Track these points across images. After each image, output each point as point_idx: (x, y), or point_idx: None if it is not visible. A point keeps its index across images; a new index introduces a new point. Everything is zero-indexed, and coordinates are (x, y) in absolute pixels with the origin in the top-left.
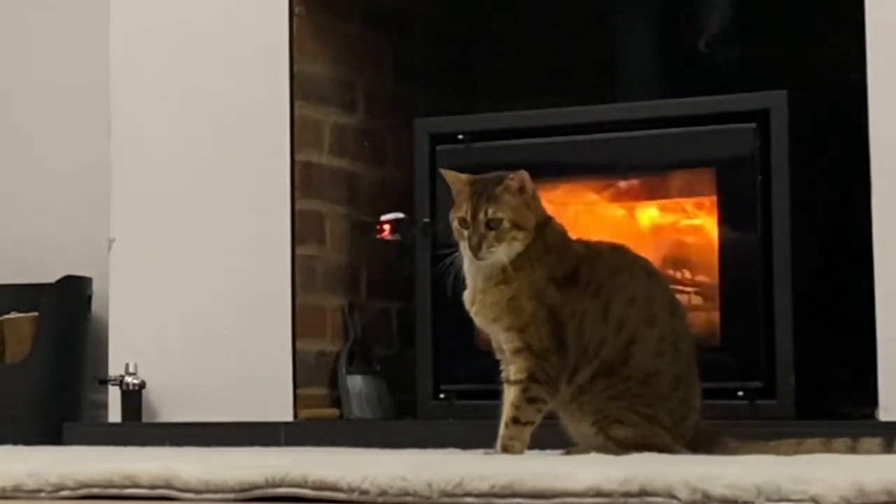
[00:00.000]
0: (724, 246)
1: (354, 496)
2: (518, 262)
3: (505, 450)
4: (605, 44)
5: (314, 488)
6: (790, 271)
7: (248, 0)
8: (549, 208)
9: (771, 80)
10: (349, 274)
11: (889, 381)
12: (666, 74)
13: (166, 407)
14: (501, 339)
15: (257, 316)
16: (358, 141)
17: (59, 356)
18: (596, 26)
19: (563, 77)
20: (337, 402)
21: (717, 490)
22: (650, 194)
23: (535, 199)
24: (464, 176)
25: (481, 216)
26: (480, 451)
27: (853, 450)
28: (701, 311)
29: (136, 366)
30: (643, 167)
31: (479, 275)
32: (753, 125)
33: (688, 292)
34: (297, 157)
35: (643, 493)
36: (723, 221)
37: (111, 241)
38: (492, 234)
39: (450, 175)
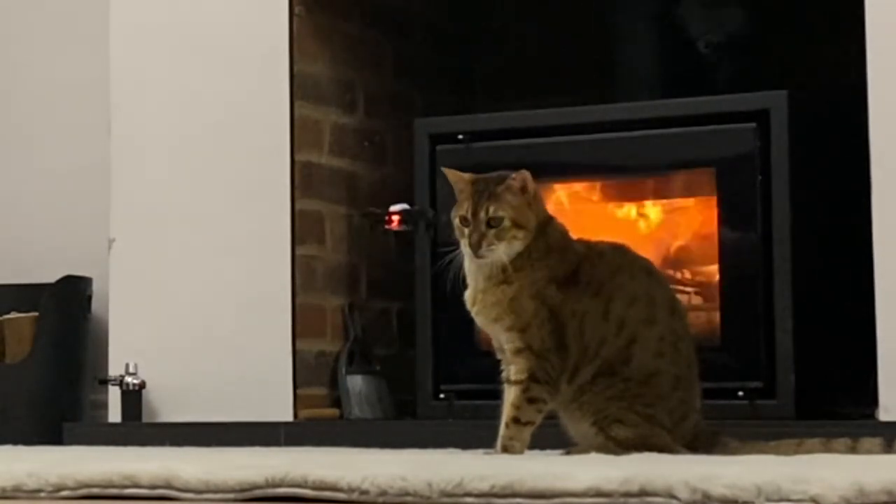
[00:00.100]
0: (724, 246)
1: (354, 496)
2: (519, 262)
3: (505, 450)
4: (605, 44)
5: (314, 488)
6: (790, 271)
7: (248, 0)
8: (549, 208)
9: (771, 80)
10: (349, 274)
11: (889, 381)
12: (666, 74)
13: (166, 407)
14: (502, 339)
15: (257, 316)
16: (358, 141)
17: (59, 356)
18: (596, 26)
19: (563, 77)
20: (337, 402)
21: (717, 490)
22: (650, 194)
23: (537, 199)
24: (466, 175)
25: (482, 214)
26: (480, 451)
27: (853, 450)
28: (701, 311)
29: (136, 366)
30: (643, 167)
31: (480, 274)
32: (753, 125)
33: (688, 292)
34: (297, 157)
35: (643, 493)
36: (723, 221)
37: (111, 241)
38: (492, 232)
39: (451, 174)
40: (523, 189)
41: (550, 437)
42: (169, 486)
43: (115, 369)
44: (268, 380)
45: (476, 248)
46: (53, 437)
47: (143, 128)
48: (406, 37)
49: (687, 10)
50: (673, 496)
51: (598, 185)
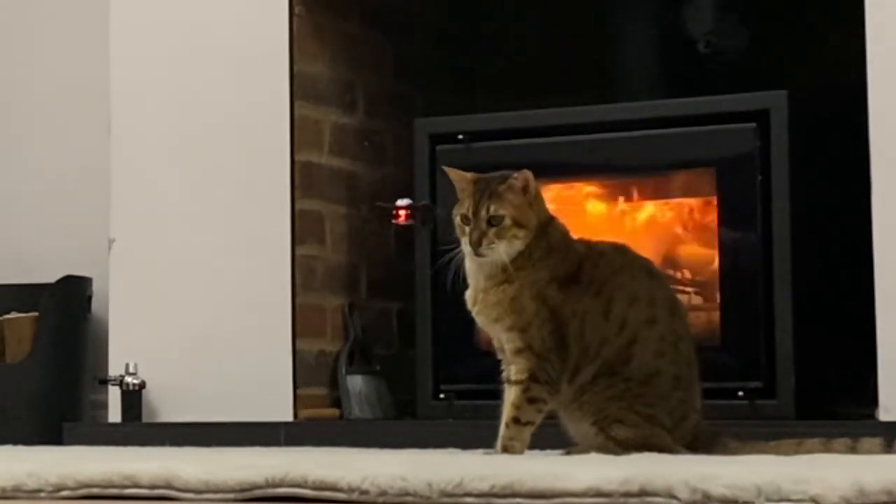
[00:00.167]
0: (724, 246)
1: (354, 496)
2: (520, 261)
3: (505, 450)
4: (605, 44)
5: (314, 488)
6: (790, 271)
7: (248, 0)
8: (549, 208)
9: (771, 80)
10: (349, 274)
11: (889, 381)
12: (666, 74)
13: (166, 407)
14: (503, 339)
15: (257, 316)
16: (358, 141)
17: (59, 356)
18: (596, 26)
19: (563, 77)
20: (337, 402)
21: (717, 490)
22: (650, 194)
23: (539, 199)
24: (467, 174)
25: (483, 213)
26: (480, 451)
27: (853, 450)
28: (701, 311)
29: (136, 366)
30: (643, 167)
31: (480, 274)
32: (753, 125)
33: (688, 292)
34: (297, 157)
35: (643, 493)
36: (723, 221)
37: (111, 241)
38: (492, 230)
39: (453, 173)
40: (525, 189)
41: (550, 437)
42: (169, 486)
43: (115, 369)
44: (268, 380)
45: (476, 247)
46: (53, 437)
47: (143, 128)
48: (406, 37)
49: (687, 11)
50: (673, 496)
51: (598, 185)
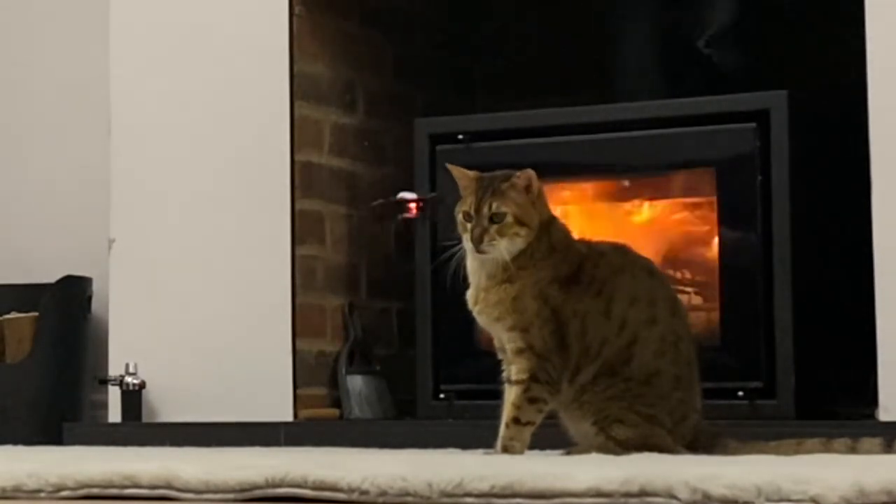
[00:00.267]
0: (724, 246)
1: (354, 496)
2: (522, 261)
3: (505, 450)
4: (605, 44)
5: (314, 488)
6: (790, 271)
7: (248, 0)
8: (550, 208)
9: (771, 80)
10: (349, 274)
11: (889, 381)
12: (666, 74)
13: (166, 407)
14: (504, 339)
15: (257, 316)
16: (358, 141)
17: (59, 356)
18: (596, 26)
19: (563, 77)
20: (337, 402)
21: (717, 490)
22: (650, 194)
23: (541, 199)
24: (470, 172)
25: (485, 210)
26: (480, 451)
27: (853, 450)
28: (701, 311)
29: (136, 366)
30: (643, 167)
31: (482, 273)
32: (753, 125)
33: (688, 292)
34: (297, 157)
35: (643, 493)
36: (723, 221)
37: (111, 241)
38: (494, 227)
39: (456, 171)
40: (527, 188)
41: (550, 437)
42: (169, 487)
43: (115, 369)
44: (268, 380)
45: (478, 243)
46: (53, 437)
47: (143, 128)
48: (406, 37)
49: (687, 11)
50: (673, 496)
51: (598, 185)
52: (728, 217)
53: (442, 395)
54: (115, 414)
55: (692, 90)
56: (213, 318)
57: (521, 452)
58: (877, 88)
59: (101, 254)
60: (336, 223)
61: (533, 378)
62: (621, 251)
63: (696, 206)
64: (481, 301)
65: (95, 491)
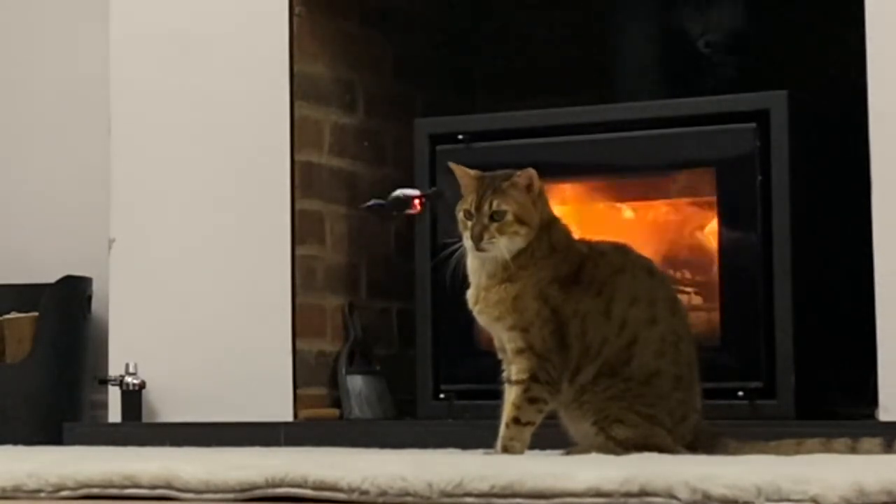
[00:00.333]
0: (724, 246)
1: (354, 496)
2: (523, 260)
3: (505, 450)
4: (605, 44)
5: (314, 488)
6: (790, 271)
7: (249, 0)
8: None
9: (771, 80)
10: (349, 274)
11: (889, 381)
12: (666, 74)
13: (166, 407)
14: (504, 339)
15: (257, 316)
16: (358, 141)
17: (59, 356)
18: (596, 26)
19: (563, 77)
20: (337, 402)
21: (717, 490)
22: (650, 194)
23: (542, 198)
24: (472, 171)
25: (486, 207)
26: (480, 451)
27: (853, 450)
28: (701, 311)
29: (136, 366)
30: (643, 167)
31: (482, 272)
32: (753, 125)
33: (688, 292)
34: (297, 157)
35: (643, 493)
36: (723, 221)
37: (111, 241)
38: (494, 225)
39: (458, 169)
40: (529, 187)
41: (550, 437)
42: (169, 487)
43: (115, 369)
44: (268, 380)
45: (477, 241)
46: (53, 437)
47: (143, 128)
48: (406, 37)
49: (687, 11)
50: (673, 496)
51: (598, 185)
52: (728, 217)
53: (442, 395)
54: (115, 414)
55: (692, 90)
56: (213, 318)
57: (521, 452)
58: (877, 88)
59: (101, 254)
60: (336, 223)
61: (533, 378)
62: (622, 251)
63: (696, 206)
64: (482, 301)
65: (95, 491)
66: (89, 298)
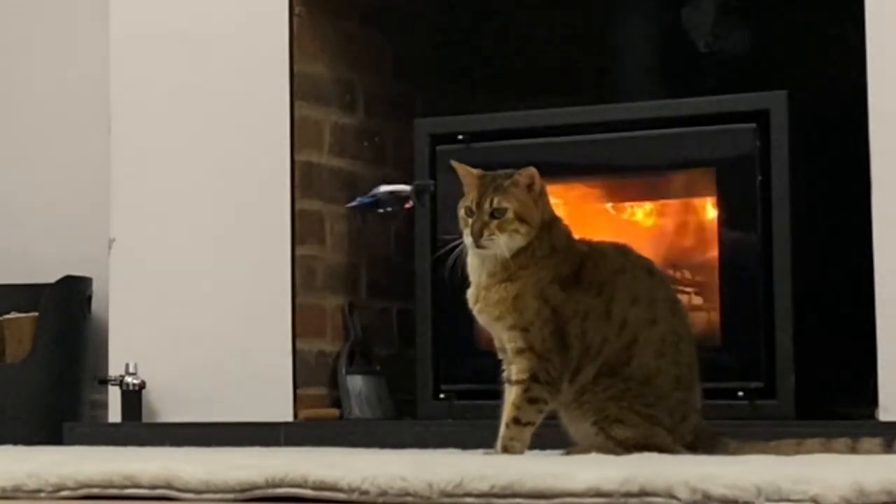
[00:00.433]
0: (724, 246)
1: (354, 496)
2: (523, 260)
3: (505, 450)
4: (605, 44)
5: (314, 488)
6: (790, 271)
7: (249, 0)
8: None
9: (771, 80)
10: (349, 274)
11: (889, 381)
12: (666, 74)
13: (166, 407)
14: (504, 339)
15: (257, 316)
16: (358, 141)
17: (59, 356)
18: (596, 26)
19: (563, 77)
20: (337, 402)
21: (717, 490)
22: (650, 194)
23: (543, 198)
24: (474, 170)
25: (486, 205)
26: (480, 451)
27: (853, 450)
28: (701, 311)
29: (136, 366)
30: (643, 167)
31: (483, 271)
32: (753, 125)
33: (688, 292)
34: (297, 157)
35: (643, 493)
36: (723, 221)
37: (111, 241)
38: (494, 223)
39: (460, 167)
40: (530, 185)
41: (550, 437)
42: (169, 487)
43: (115, 369)
44: (268, 380)
45: (477, 237)
46: (53, 437)
47: (143, 128)
48: (406, 37)
49: (687, 11)
50: (673, 496)
51: (598, 185)
52: (728, 217)
53: (442, 395)
54: (115, 414)
55: (692, 90)
56: (213, 318)
57: (521, 452)
58: (877, 88)
59: (101, 254)
60: (336, 223)
61: (533, 378)
62: (622, 251)
63: (696, 206)
64: (482, 300)
65: (95, 491)
66: (89, 298)
